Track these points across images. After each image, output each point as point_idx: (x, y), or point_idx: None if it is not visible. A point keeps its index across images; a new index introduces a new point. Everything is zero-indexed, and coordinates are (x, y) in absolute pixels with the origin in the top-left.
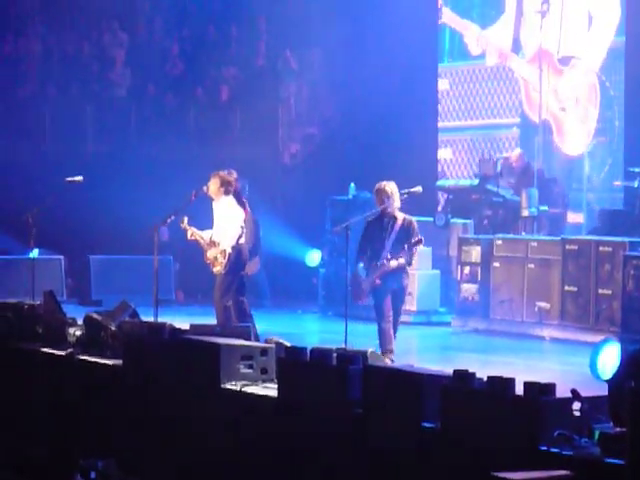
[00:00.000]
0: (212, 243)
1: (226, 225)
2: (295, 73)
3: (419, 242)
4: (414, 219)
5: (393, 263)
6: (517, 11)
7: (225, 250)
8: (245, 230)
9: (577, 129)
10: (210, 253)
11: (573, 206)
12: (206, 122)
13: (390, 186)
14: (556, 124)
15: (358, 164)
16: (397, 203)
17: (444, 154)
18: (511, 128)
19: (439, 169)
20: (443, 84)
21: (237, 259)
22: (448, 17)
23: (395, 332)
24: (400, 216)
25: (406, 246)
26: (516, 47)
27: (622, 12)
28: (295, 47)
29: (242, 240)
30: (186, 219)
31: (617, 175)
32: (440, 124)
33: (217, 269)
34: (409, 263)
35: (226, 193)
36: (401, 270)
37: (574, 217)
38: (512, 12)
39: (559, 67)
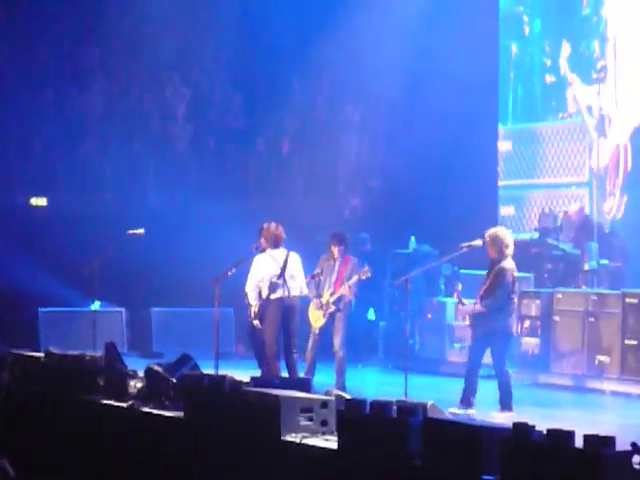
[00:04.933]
0: None
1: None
2: (356, 126)
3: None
4: (509, 267)
5: (466, 307)
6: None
7: (249, 304)
8: (278, 283)
9: (610, 192)
10: None
11: None
12: (267, 175)
13: (490, 233)
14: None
15: (419, 217)
16: (503, 252)
17: (507, 211)
18: (570, 187)
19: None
20: (506, 145)
21: (262, 314)
22: (564, 69)
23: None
24: (498, 265)
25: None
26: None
27: None
28: (356, 100)
29: (276, 295)
30: None
31: None
32: (502, 183)
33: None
34: (485, 308)
35: (273, 246)
36: (481, 316)
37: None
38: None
39: (607, 132)
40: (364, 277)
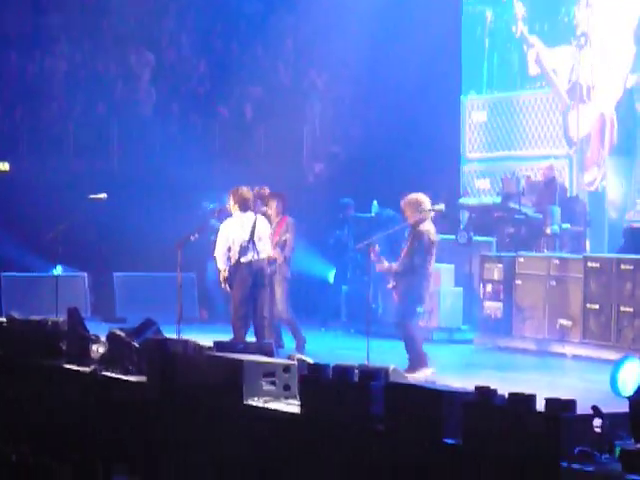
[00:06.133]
0: None
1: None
2: (320, 92)
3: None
4: (424, 230)
5: (382, 265)
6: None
7: (219, 269)
8: (248, 246)
9: (593, 162)
10: None
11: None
12: (231, 141)
13: (407, 199)
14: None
15: (382, 182)
16: (421, 215)
17: (482, 184)
18: (549, 159)
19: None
20: (481, 116)
21: (232, 278)
22: (520, 30)
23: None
24: (415, 228)
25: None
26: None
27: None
28: (320, 67)
29: (246, 258)
30: None
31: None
32: (477, 155)
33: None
34: (399, 268)
35: (242, 209)
36: (400, 277)
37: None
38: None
39: (585, 99)
40: (287, 240)
